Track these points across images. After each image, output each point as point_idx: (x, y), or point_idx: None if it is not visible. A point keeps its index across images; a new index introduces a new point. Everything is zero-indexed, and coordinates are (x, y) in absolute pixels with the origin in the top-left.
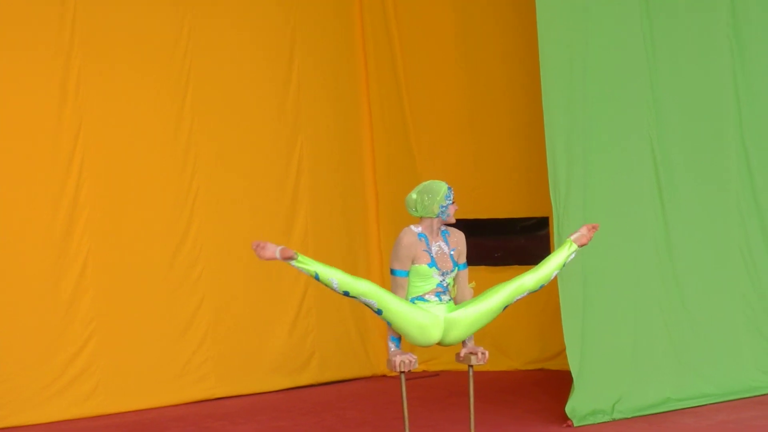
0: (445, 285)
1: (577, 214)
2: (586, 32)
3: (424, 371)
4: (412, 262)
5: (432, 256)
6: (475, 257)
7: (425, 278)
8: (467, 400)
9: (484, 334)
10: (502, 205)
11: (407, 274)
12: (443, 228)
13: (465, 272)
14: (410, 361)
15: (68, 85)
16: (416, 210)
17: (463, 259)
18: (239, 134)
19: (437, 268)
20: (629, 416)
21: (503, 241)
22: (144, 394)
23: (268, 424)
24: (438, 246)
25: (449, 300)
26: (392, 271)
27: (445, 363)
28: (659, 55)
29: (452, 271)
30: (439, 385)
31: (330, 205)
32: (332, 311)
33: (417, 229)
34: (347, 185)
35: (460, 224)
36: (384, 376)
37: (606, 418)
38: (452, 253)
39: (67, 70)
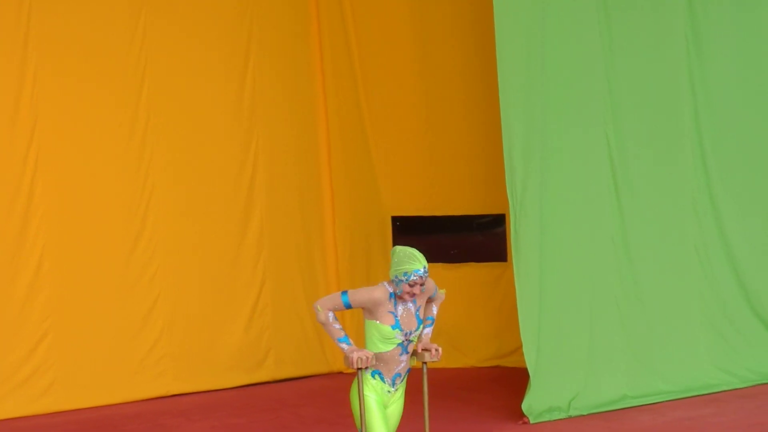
0: (406, 344)
1: (534, 211)
2: (544, 30)
3: None
4: (376, 319)
5: (397, 319)
6: (432, 255)
7: (387, 339)
8: (422, 397)
9: (439, 331)
10: (458, 202)
11: (349, 306)
12: None
13: (439, 295)
14: (367, 358)
15: (23, 85)
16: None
17: (432, 290)
18: (195, 132)
19: (400, 329)
20: (585, 413)
21: (460, 238)
22: (100, 391)
23: (224, 421)
24: (405, 306)
25: (402, 380)
26: (343, 294)
27: None
28: (616, 52)
29: (416, 330)
30: None
31: (286, 201)
32: (288, 308)
33: (390, 288)
34: (303, 182)
35: (415, 221)
36: (341, 372)
37: (562, 415)
38: (418, 312)
39: (22, 69)
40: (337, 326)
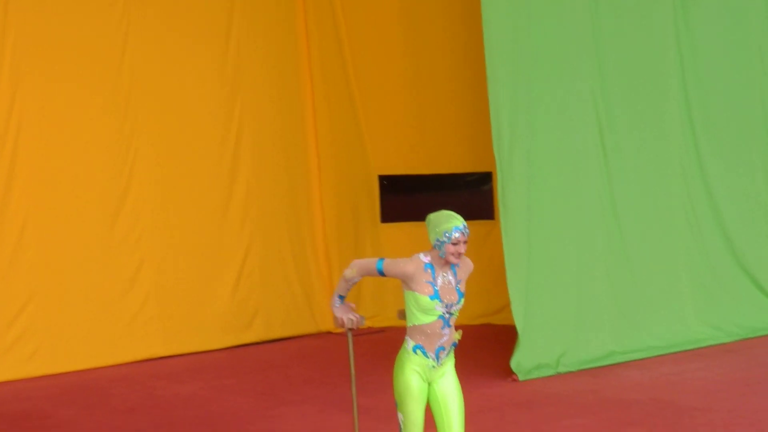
0: (447, 317)
1: (521, 170)
2: None
3: (369, 328)
4: (414, 289)
5: (436, 289)
6: (419, 213)
7: (426, 310)
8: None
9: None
10: (445, 160)
11: (382, 275)
12: None
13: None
14: (357, 319)
15: (3, 49)
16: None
17: (470, 270)
18: (179, 95)
19: (440, 300)
20: (574, 370)
21: (447, 196)
22: (86, 355)
23: (213, 383)
24: (443, 277)
25: (448, 354)
26: (379, 261)
27: (389, 319)
28: (602, 12)
29: (457, 303)
30: (385, 341)
31: (271, 163)
32: (276, 270)
33: (426, 258)
34: (288, 143)
35: (402, 180)
36: (329, 333)
37: (551, 372)
38: (458, 284)
39: (2, 33)
40: (347, 286)
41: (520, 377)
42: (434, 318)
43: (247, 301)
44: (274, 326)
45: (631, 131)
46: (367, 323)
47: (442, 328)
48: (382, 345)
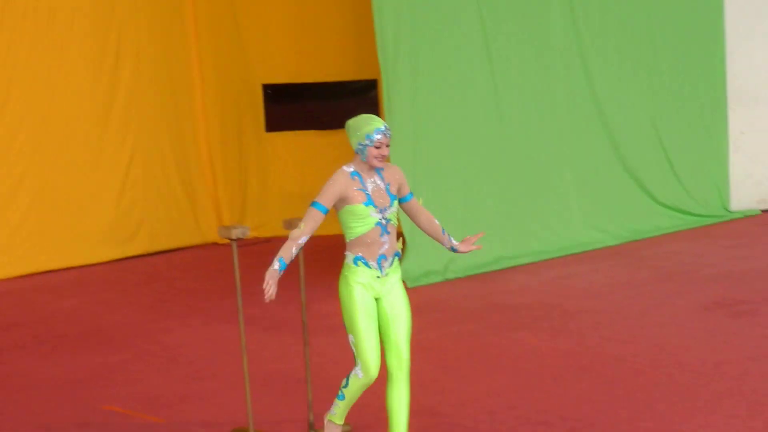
0: (384, 223)
1: (406, 77)
2: None
3: (255, 238)
4: (347, 203)
5: (368, 194)
6: (304, 122)
7: (362, 218)
8: (297, 263)
9: (310, 195)
10: (330, 68)
11: (325, 211)
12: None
13: (417, 202)
14: (243, 231)
15: None
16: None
17: (406, 190)
18: (57, 7)
19: (374, 206)
20: (462, 276)
21: (332, 104)
22: None
23: (96, 297)
24: (372, 183)
25: (393, 260)
26: (313, 203)
27: (274, 229)
28: None
29: (391, 206)
30: (271, 251)
31: (152, 72)
32: (160, 181)
33: (349, 168)
34: (170, 53)
35: (287, 88)
36: (215, 244)
37: (439, 279)
38: (388, 188)
39: None
40: (293, 250)
41: (409, 284)
42: (371, 226)
43: (131, 213)
44: (158, 238)
45: (515, 40)
46: (253, 233)
47: (381, 235)
48: (268, 255)
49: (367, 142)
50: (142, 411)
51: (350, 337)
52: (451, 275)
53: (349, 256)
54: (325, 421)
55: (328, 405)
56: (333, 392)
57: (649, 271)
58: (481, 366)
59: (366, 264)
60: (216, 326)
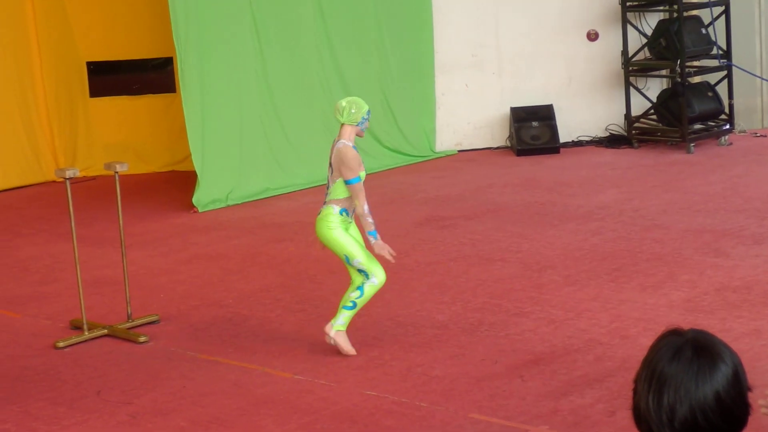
0: None
1: (195, 53)
2: None
3: (84, 177)
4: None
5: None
6: (119, 90)
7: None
8: (115, 196)
9: (127, 147)
10: (138, 48)
11: (361, 179)
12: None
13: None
14: (74, 172)
15: None
16: (342, 116)
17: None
18: None
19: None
20: (239, 202)
21: (140, 76)
22: None
23: None
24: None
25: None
26: (352, 180)
27: (98, 169)
28: None
29: None
30: (96, 187)
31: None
32: (10, 136)
33: (351, 143)
34: (14, 36)
35: (105, 64)
36: (54, 182)
37: (222, 205)
38: None
39: None
40: (370, 219)
41: (200, 209)
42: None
43: None
44: (9, 178)
45: (278, 23)
46: (82, 173)
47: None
48: (95, 190)
49: (367, 116)
50: (2, 309)
51: (356, 260)
52: (231, 202)
53: (336, 209)
54: (333, 333)
55: (142, 301)
56: (145, 292)
57: (378, 197)
58: (255, 269)
59: (347, 214)
60: (56, 243)
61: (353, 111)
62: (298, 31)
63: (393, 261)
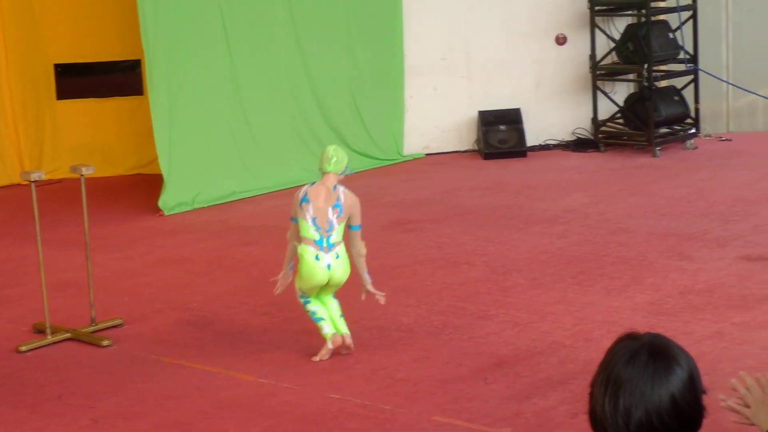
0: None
1: (163, 57)
2: None
3: (50, 180)
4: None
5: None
6: (87, 92)
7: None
8: (79, 200)
9: (94, 148)
10: (106, 50)
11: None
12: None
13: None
14: (39, 175)
15: None
16: (329, 165)
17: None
18: None
19: None
20: (206, 205)
21: (108, 78)
22: None
23: None
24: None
25: None
26: (359, 227)
27: (64, 172)
28: None
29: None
30: (62, 190)
31: None
32: None
33: (342, 186)
34: None
35: (73, 67)
36: (19, 185)
37: (188, 208)
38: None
39: None
40: (363, 263)
41: (166, 213)
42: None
43: None
44: None
45: (247, 25)
46: (47, 176)
47: None
48: (61, 193)
49: (347, 170)
50: None
51: None
52: (197, 205)
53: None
54: (349, 340)
55: (106, 305)
56: (110, 295)
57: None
58: (221, 272)
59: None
60: (20, 246)
61: (338, 160)
62: (268, 33)
63: (383, 303)
